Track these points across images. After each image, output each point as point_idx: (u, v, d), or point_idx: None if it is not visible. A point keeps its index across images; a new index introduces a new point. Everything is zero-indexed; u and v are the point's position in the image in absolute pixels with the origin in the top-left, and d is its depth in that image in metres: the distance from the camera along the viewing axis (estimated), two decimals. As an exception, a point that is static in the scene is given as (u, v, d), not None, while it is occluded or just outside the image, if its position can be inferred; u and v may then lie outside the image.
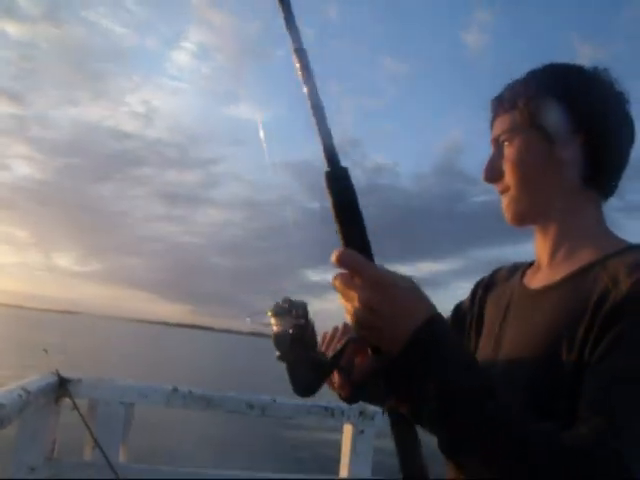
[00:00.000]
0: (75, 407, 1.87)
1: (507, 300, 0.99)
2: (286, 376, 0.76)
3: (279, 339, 0.73)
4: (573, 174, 0.92)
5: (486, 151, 0.99)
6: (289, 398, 2.24)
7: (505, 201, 0.97)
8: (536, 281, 0.96)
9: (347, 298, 0.69)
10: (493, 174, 0.97)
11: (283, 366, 0.75)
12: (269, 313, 0.75)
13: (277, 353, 0.74)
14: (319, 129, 0.74)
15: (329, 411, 2.28)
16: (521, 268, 1.05)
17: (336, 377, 0.93)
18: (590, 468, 0.64)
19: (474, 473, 0.69)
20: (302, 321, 0.73)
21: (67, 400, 1.93)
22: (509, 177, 0.94)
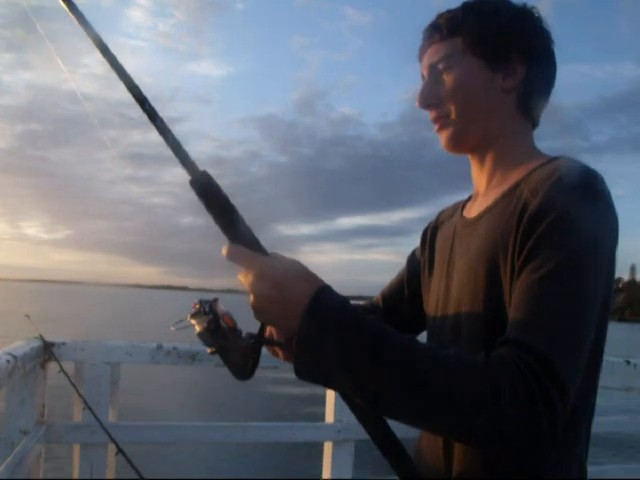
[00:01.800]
0: (62, 370, 1.88)
1: (452, 236, 1.00)
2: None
3: (201, 337, 0.79)
4: (511, 102, 0.93)
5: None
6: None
7: (443, 128, 0.96)
8: (474, 209, 0.97)
9: (249, 291, 0.75)
10: (430, 100, 0.95)
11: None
12: (188, 318, 0.80)
13: (207, 350, 0.79)
14: (170, 145, 0.77)
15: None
16: (461, 203, 1.06)
17: (278, 351, 0.96)
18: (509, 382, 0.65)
19: (404, 420, 0.72)
20: (210, 316, 0.78)
21: (53, 364, 1.93)
22: (450, 103, 0.93)
